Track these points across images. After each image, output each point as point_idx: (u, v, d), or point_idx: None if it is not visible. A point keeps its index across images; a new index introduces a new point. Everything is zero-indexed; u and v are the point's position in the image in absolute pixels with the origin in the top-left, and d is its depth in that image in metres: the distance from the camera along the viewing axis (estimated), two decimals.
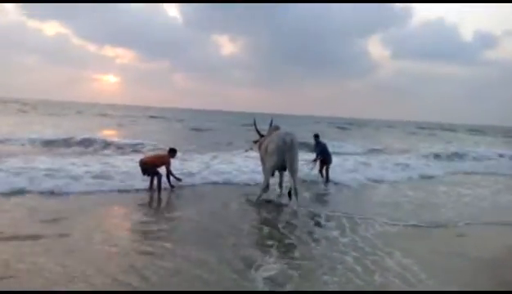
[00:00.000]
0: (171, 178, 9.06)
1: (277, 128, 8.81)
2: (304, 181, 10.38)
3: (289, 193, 8.14)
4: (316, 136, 11.60)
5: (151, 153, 10.69)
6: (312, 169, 11.01)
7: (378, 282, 4.40)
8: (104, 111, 53.77)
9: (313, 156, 11.20)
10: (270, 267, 4.62)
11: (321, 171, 11.23)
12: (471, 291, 3.88)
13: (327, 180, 11.05)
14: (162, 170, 8.99)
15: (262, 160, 8.59)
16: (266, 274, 4.39)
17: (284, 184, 9.04)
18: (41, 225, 5.83)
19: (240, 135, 23.40)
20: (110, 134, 21.51)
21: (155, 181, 8.94)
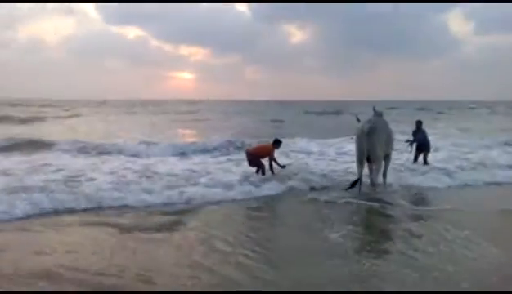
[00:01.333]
0: (274, 165, 9.38)
1: (380, 115, 8.51)
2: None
3: (354, 183, 7.88)
4: (419, 123, 11.65)
5: (256, 145, 10.90)
6: (410, 152, 11.13)
7: None
8: (180, 108, 55.76)
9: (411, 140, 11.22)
10: None
11: (416, 157, 11.44)
12: (471, 291, 3.80)
13: (425, 162, 11.26)
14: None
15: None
16: None
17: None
18: None
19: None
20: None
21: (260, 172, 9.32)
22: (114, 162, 10.98)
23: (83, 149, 12.92)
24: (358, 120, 8.61)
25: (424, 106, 55.79)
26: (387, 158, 8.48)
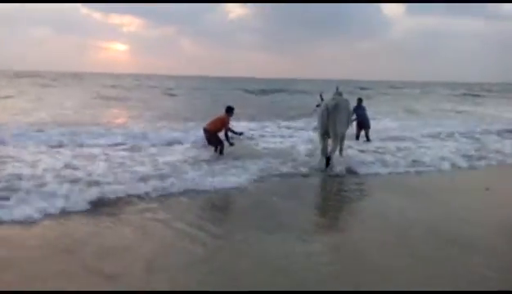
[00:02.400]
0: (229, 134, 9.23)
1: (340, 94, 8.86)
2: None
3: (327, 161, 8.21)
4: (360, 100, 12.18)
5: (210, 120, 9.71)
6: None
7: None
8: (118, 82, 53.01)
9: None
10: None
11: (358, 135, 11.95)
12: (472, 291, 3.88)
13: (367, 139, 11.86)
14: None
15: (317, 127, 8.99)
16: None
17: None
18: None
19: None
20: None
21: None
22: None
23: None
24: (322, 98, 9.02)
25: (364, 86, 57.61)
26: (343, 135, 8.93)
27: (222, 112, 9.60)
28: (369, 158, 9.78)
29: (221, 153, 9.13)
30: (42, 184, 6.34)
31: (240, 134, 9.45)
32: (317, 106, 9.61)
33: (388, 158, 9.89)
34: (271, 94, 38.64)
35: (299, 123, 15.58)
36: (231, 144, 9.28)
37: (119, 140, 10.80)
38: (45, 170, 7.24)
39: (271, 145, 11.17)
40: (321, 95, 9.25)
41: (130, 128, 12.94)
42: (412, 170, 8.95)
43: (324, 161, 8.39)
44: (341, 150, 8.99)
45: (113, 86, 42.45)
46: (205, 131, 9.23)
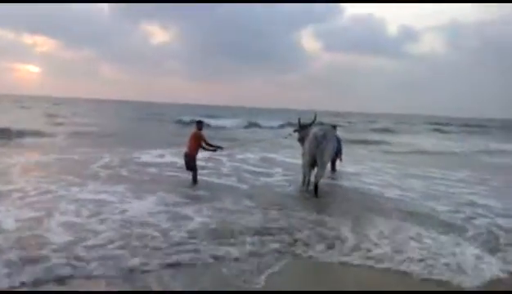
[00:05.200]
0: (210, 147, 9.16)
1: (321, 124, 9.13)
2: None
3: (315, 189, 8.36)
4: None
5: (189, 140, 9.11)
6: None
7: None
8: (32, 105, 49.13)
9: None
10: None
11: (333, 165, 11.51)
12: (473, 291, 3.96)
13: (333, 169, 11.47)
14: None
15: (303, 155, 9.08)
16: None
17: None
18: None
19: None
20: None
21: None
22: None
23: None
24: (300, 125, 9.55)
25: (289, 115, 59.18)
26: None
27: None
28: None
29: (195, 181, 9.06)
30: None
31: (220, 147, 9.34)
32: (295, 132, 9.97)
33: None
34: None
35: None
36: (216, 149, 9.27)
37: None
38: None
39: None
40: (299, 121, 9.66)
41: None
42: None
43: (304, 187, 8.88)
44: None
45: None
46: (186, 155, 9.04)
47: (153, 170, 10.66)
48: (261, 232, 5.95)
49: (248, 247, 5.33)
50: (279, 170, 11.57)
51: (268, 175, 10.77)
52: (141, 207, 6.94)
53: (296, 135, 9.91)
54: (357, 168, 12.40)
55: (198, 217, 6.49)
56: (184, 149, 9.23)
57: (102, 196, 7.52)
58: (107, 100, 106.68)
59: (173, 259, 4.86)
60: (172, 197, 7.72)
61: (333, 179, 10.58)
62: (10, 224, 5.70)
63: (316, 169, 8.76)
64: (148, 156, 12.94)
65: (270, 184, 9.63)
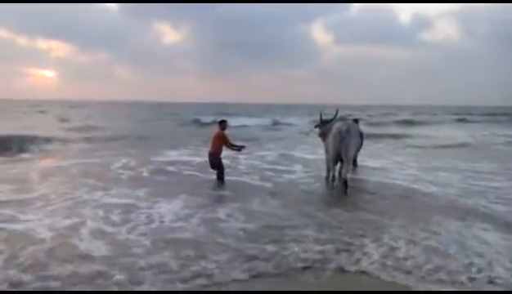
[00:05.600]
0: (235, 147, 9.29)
1: (343, 119, 9.18)
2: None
3: (345, 185, 8.33)
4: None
5: (212, 141, 9.28)
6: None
7: None
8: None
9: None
10: None
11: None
12: (472, 291, 3.87)
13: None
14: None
15: (326, 150, 9.22)
16: None
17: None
18: None
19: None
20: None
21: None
22: None
23: None
24: (321, 120, 9.63)
25: (299, 109, 58.80)
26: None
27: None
28: None
29: (222, 180, 9.04)
30: None
31: (243, 147, 9.47)
32: (316, 127, 10.04)
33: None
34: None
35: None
36: (241, 149, 9.38)
37: None
38: None
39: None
40: (321, 117, 9.73)
41: None
42: None
43: (330, 183, 9.08)
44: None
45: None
46: (210, 154, 9.15)
47: (172, 170, 10.65)
48: (306, 236, 5.60)
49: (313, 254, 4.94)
50: (299, 167, 11.38)
51: (290, 172, 10.60)
52: (170, 211, 6.68)
53: (317, 130, 9.91)
54: (380, 162, 12.08)
55: (234, 222, 6.20)
56: (208, 149, 9.25)
57: (127, 200, 7.40)
58: (122, 102, 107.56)
59: (259, 270, 4.51)
60: (197, 199, 7.55)
61: (356, 174, 10.30)
62: (45, 233, 5.55)
63: (340, 164, 8.81)
64: (166, 157, 12.94)
65: (294, 181, 9.45)
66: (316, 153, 13.20)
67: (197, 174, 10.06)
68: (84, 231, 5.70)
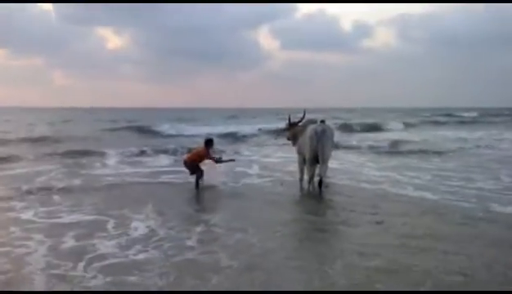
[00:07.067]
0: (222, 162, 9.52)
1: (312, 122, 9.33)
2: None
3: (320, 183, 8.65)
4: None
5: (193, 151, 9.92)
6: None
7: None
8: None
9: None
10: None
11: None
12: (471, 291, 3.99)
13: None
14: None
15: (298, 153, 9.39)
16: None
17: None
18: None
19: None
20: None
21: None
22: None
23: None
24: (289, 121, 9.82)
25: (249, 114, 58.79)
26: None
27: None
28: None
29: (198, 181, 9.10)
30: None
31: (232, 160, 9.84)
32: (285, 130, 10.27)
33: None
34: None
35: None
36: (219, 160, 9.48)
37: None
38: None
39: None
40: (289, 119, 9.93)
41: None
42: None
43: (306, 186, 9.13)
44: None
45: None
46: (185, 162, 9.36)
47: (112, 179, 10.12)
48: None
49: None
50: (257, 169, 11.50)
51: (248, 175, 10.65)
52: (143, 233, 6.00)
53: (286, 133, 10.19)
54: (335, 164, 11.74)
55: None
56: (183, 157, 9.78)
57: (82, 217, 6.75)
58: (60, 108, 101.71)
59: None
60: (161, 215, 6.95)
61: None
62: None
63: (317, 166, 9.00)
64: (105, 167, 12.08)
65: (257, 186, 9.50)
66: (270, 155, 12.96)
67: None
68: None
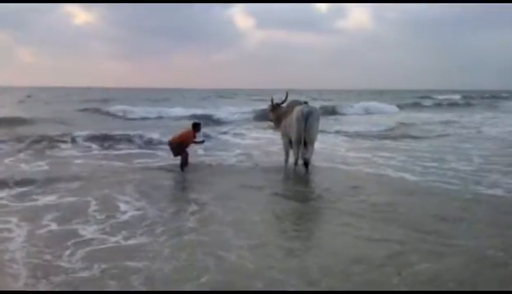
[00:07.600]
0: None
1: (298, 103, 9.26)
2: None
3: (306, 165, 8.67)
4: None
5: (178, 132, 9.52)
6: None
7: None
8: None
9: None
10: None
11: None
12: (472, 291, 4.05)
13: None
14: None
15: (283, 134, 9.35)
16: None
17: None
18: None
19: None
20: None
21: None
22: None
23: None
24: (272, 103, 9.87)
25: (223, 94, 57.86)
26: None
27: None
28: None
29: (183, 166, 8.93)
30: None
31: (202, 142, 9.98)
32: (270, 111, 10.10)
33: None
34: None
35: None
36: (202, 142, 9.91)
37: None
38: None
39: None
40: (272, 101, 9.94)
41: None
42: None
43: (292, 167, 9.03)
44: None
45: None
46: (170, 143, 9.18)
47: (81, 162, 9.73)
48: None
49: None
50: (235, 150, 11.49)
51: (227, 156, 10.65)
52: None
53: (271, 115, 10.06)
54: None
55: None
56: (169, 138, 9.40)
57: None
58: (25, 87, 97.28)
59: None
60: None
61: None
62: None
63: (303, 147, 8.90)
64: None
65: (238, 166, 9.59)
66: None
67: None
68: None
